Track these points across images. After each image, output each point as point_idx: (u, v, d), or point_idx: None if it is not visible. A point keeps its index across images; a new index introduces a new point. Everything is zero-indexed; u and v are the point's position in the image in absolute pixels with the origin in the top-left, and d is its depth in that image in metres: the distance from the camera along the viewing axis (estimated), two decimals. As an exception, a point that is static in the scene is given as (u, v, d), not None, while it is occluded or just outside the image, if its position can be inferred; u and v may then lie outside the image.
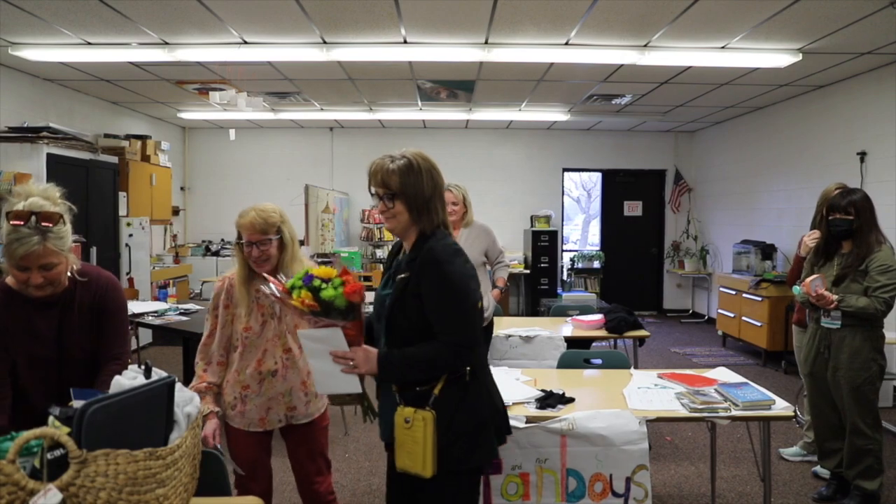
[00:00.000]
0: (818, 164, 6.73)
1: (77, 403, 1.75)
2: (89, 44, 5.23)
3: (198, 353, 2.50)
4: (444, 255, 1.87)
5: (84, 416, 1.34)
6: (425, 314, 1.86)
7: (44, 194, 2.06)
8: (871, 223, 3.35)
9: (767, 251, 7.37)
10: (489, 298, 4.23)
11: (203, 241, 9.56)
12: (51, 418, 1.39)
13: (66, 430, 1.32)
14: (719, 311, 7.92)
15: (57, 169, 5.90)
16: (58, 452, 1.30)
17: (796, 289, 3.46)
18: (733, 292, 7.52)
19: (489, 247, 4.39)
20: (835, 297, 3.30)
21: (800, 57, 5.34)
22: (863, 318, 3.29)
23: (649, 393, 2.87)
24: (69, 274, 2.17)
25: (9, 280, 2.12)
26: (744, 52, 5.32)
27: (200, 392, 2.40)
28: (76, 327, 2.18)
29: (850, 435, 3.41)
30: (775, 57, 5.37)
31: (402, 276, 1.90)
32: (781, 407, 2.69)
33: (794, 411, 2.69)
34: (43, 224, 2.00)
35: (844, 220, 3.36)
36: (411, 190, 1.90)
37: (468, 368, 1.90)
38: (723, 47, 5.25)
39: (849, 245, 3.41)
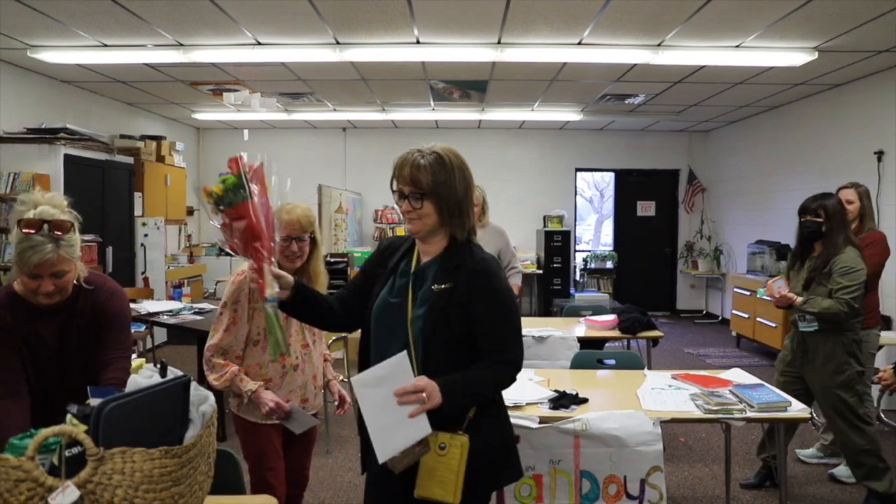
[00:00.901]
0: (834, 164, 6.66)
1: (94, 401, 1.77)
2: (105, 46, 5.28)
3: (210, 349, 2.43)
4: (495, 268, 1.78)
5: (101, 415, 1.35)
6: (469, 328, 1.74)
7: (51, 202, 2.07)
8: (840, 226, 3.41)
9: (782, 251, 7.31)
10: None
11: (217, 241, 9.62)
12: (68, 416, 1.41)
13: (84, 427, 1.34)
14: (733, 311, 7.86)
15: (74, 170, 5.97)
16: (75, 450, 1.31)
17: (760, 291, 3.52)
18: (748, 293, 7.47)
19: (503, 249, 4.40)
20: (798, 298, 3.36)
21: (815, 55, 5.29)
22: (832, 322, 3.31)
23: (663, 394, 2.85)
24: (75, 282, 2.18)
25: (16, 286, 2.12)
26: (758, 50, 5.28)
27: (234, 375, 2.39)
28: (77, 335, 2.18)
29: (836, 438, 3.47)
30: (790, 56, 5.33)
31: (444, 286, 1.74)
32: (797, 409, 2.67)
33: (811, 413, 2.67)
34: (55, 232, 2.01)
35: (814, 222, 3.43)
36: (443, 190, 1.74)
37: None
38: (737, 46, 5.21)
39: (819, 248, 3.46)
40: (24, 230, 1.98)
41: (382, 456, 1.61)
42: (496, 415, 1.83)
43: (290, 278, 1.79)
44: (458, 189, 1.76)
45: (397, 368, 1.62)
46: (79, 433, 1.29)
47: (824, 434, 4.12)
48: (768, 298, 3.52)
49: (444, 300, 1.73)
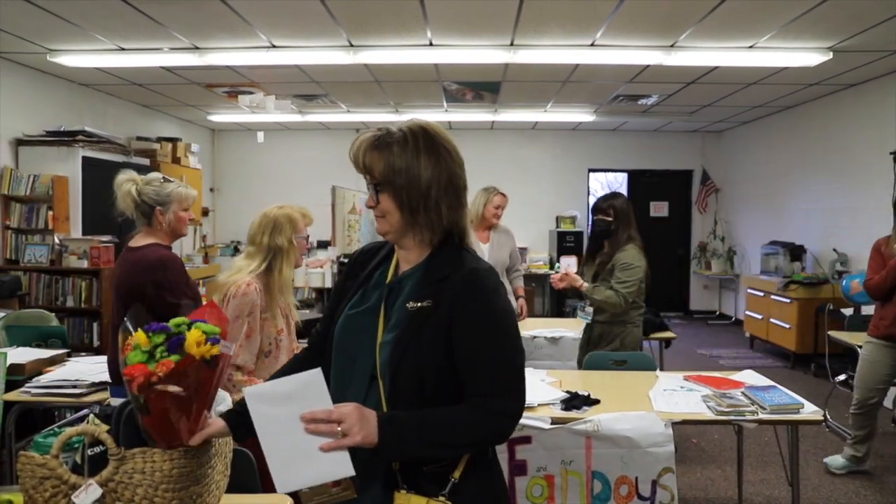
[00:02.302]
0: (849, 165, 6.61)
1: (115, 402, 1.81)
2: (123, 49, 5.35)
3: (230, 368, 2.29)
4: (491, 283, 1.34)
5: (122, 415, 1.39)
6: (452, 360, 1.32)
7: None
8: (626, 225, 3.59)
9: (796, 252, 7.26)
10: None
11: (231, 242, 9.70)
12: (90, 416, 1.45)
13: (106, 427, 1.37)
14: (747, 312, 7.82)
15: (91, 171, 6.05)
16: (97, 449, 1.35)
17: (556, 266, 3.72)
18: (761, 294, 7.43)
19: (513, 250, 4.43)
20: (585, 284, 3.53)
21: (830, 56, 5.25)
22: (614, 315, 3.53)
23: (675, 395, 2.86)
24: None
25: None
26: (772, 51, 5.26)
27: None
28: None
29: None
30: (805, 56, 5.30)
31: (422, 304, 1.34)
32: (810, 411, 2.66)
33: (824, 415, 2.66)
34: None
35: (604, 221, 3.62)
36: (399, 177, 1.33)
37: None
38: (751, 47, 5.19)
39: (607, 244, 3.66)
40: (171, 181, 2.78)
41: (282, 487, 1.22)
42: (489, 480, 1.42)
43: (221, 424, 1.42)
44: (423, 177, 1.33)
45: (309, 389, 1.21)
46: (101, 433, 1.33)
47: (856, 445, 3.99)
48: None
49: (419, 322, 1.32)
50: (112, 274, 2.89)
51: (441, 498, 1.30)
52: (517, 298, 4.47)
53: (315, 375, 1.22)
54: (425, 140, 1.35)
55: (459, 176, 1.40)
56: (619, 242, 3.57)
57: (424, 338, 1.31)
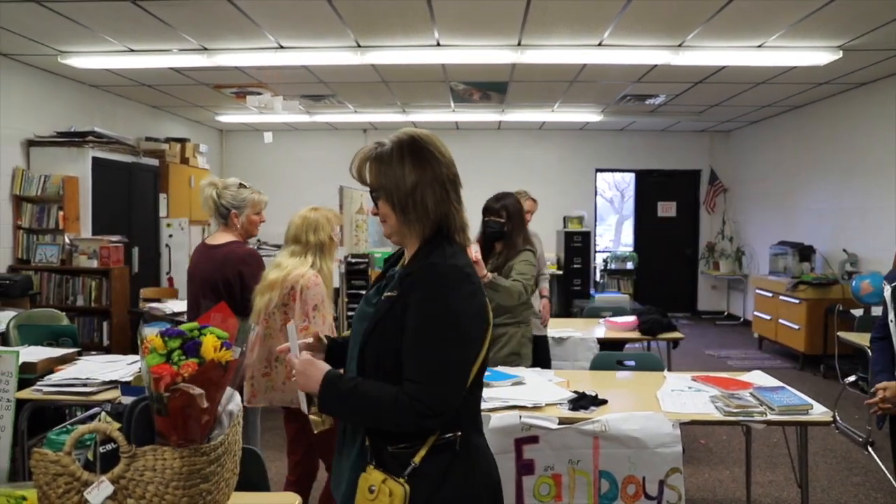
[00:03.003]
0: (859, 164, 6.58)
1: (126, 400, 1.83)
2: (132, 51, 5.39)
3: None
4: (447, 277, 1.44)
5: (133, 413, 1.40)
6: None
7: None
8: (520, 226, 3.50)
9: (805, 253, 7.23)
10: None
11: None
12: (102, 413, 1.46)
13: (117, 425, 1.39)
14: (755, 313, 7.79)
15: (101, 172, 6.09)
16: (109, 447, 1.37)
17: None
18: (770, 294, 7.40)
19: (540, 255, 4.31)
20: (489, 274, 3.30)
21: (840, 54, 5.23)
22: (512, 314, 3.42)
23: (683, 396, 2.85)
24: None
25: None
26: (781, 50, 5.24)
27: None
28: None
29: None
30: (814, 55, 5.28)
31: (390, 294, 1.49)
32: (819, 412, 2.66)
33: (834, 416, 2.65)
34: None
35: (497, 222, 3.50)
36: (389, 182, 1.50)
37: (459, 433, 1.47)
38: (759, 46, 5.17)
39: (500, 246, 3.52)
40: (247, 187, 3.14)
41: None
42: (449, 469, 1.45)
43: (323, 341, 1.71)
44: (407, 177, 1.48)
45: (291, 338, 1.60)
46: (112, 431, 1.34)
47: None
48: None
49: (386, 310, 1.48)
50: (194, 267, 3.15)
51: (401, 479, 1.39)
52: (541, 298, 4.37)
53: (290, 328, 1.62)
54: (411, 147, 1.51)
55: (447, 175, 1.54)
56: (515, 245, 3.43)
57: (387, 324, 1.45)
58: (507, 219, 3.47)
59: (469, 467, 1.48)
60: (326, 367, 1.50)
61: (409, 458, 1.42)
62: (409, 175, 1.48)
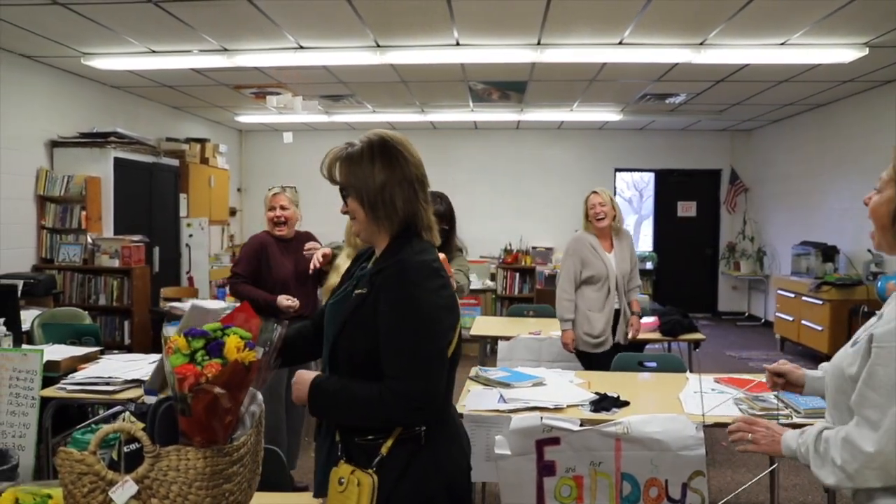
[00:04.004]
0: (885, 164, 6.43)
1: (149, 400, 1.84)
2: (154, 52, 5.44)
3: None
4: (417, 273, 1.50)
5: (157, 413, 1.41)
6: (378, 344, 1.50)
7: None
8: (454, 229, 3.35)
9: (829, 253, 7.12)
10: (600, 322, 3.91)
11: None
12: (126, 413, 1.47)
13: (141, 425, 1.39)
14: (777, 314, 7.69)
15: (123, 172, 6.16)
16: (133, 446, 1.37)
17: None
18: (792, 295, 7.30)
19: (633, 259, 4.06)
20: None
21: (866, 51, 5.14)
22: None
23: (706, 397, 2.81)
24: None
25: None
26: (805, 48, 5.16)
27: None
28: None
29: None
30: (839, 52, 5.19)
31: (360, 291, 1.55)
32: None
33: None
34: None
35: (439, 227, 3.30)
36: (359, 181, 1.55)
37: (424, 428, 1.51)
38: (782, 43, 5.10)
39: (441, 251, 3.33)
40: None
41: None
42: (412, 460, 1.50)
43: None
44: (377, 175, 1.53)
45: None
46: (137, 430, 1.35)
47: None
48: None
49: (353, 307, 1.54)
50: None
51: (370, 470, 1.45)
52: (631, 314, 4.02)
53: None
54: (381, 147, 1.56)
55: (416, 175, 1.58)
56: (452, 250, 3.27)
57: (358, 321, 1.51)
58: (449, 222, 3.28)
59: (430, 462, 1.52)
60: (313, 374, 1.54)
61: (376, 450, 1.47)
62: (379, 174, 1.53)
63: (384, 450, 1.48)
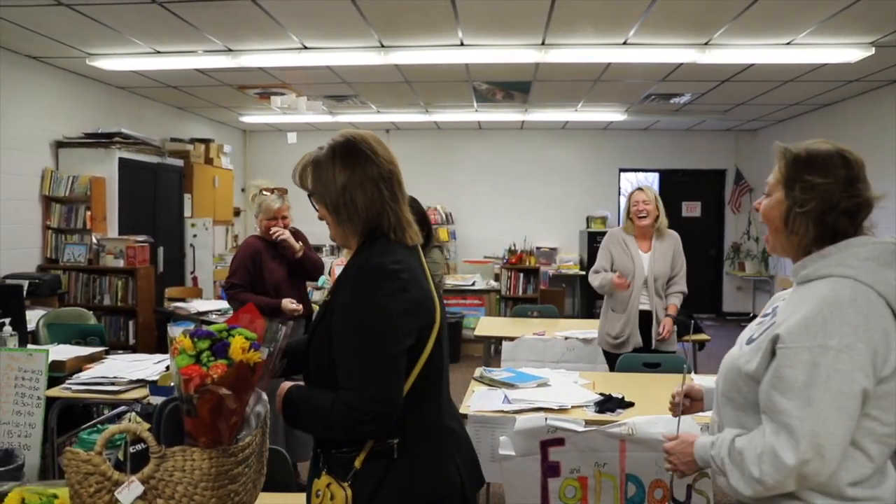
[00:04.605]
0: (891, 164, 6.44)
1: (154, 400, 1.84)
2: (158, 52, 5.45)
3: None
4: (372, 274, 1.43)
5: (163, 414, 1.41)
6: None
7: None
8: (427, 225, 3.28)
9: (835, 253, 7.09)
10: (619, 322, 3.83)
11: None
12: (132, 414, 1.47)
13: (147, 426, 1.39)
14: (783, 315, 7.65)
15: (127, 172, 6.17)
16: (139, 447, 1.38)
17: None
18: (798, 296, 7.26)
19: (675, 260, 3.88)
20: None
21: (872, 51, 5.12)
22: None
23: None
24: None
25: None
26: (811, 47, 5.14)
27: None
28: None
29: None
30: (845, 52, 5.17)
31: (326, 299, 1.54)
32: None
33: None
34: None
35: None
36: (322, 185, 1.52)
37: (396, 441, 1.45)
38: (788, 43, 5.09)
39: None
40: (263, 191, 3.65)
41: None
42: (385, 475, 1.45)
43: None
44: (338, 176, 1.49)
45: None
46: (142, 431, 1.35)
47: None
48: None
49: (322, 314, 1.53)
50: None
51: (346, 483, 1.42)
52: (666, 316, 3.82)
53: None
54: (342, 148, 1.51)
55: (380, 173, 1.51)
56: (428, 248, 3.25)
57: (322, 330, 1.49)
58: (423, 221, 3.19)
59: (407, 475, 1.46)
60: (288, 384, 1.51)
61: (351, 463, 1.43)
62: (339, 176, 1.49)
63: (357, 463, 1.43)
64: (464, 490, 1.54)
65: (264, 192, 3.65)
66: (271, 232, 3.64)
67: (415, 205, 3.22)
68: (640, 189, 3.86)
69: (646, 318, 3.78)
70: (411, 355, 1.43)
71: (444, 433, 1.56)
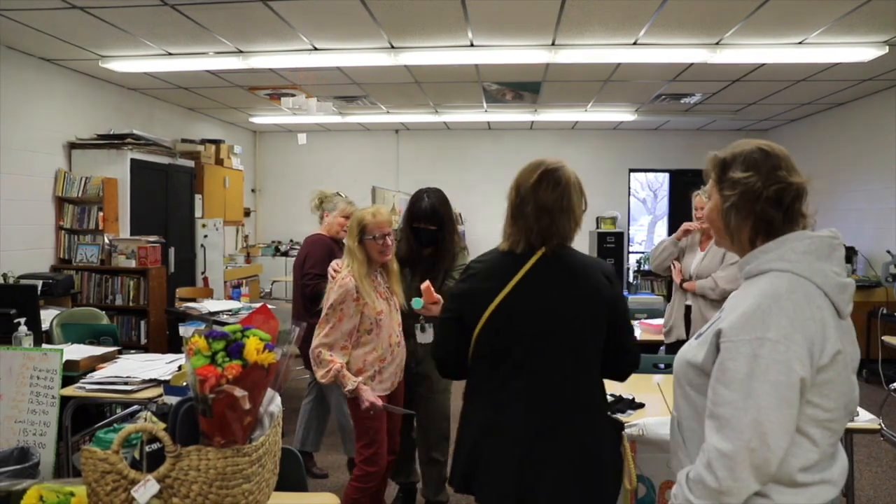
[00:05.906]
0: (904, 163, 6.40)
1: (169, 400, 1.85)
2: (170, 54, 5.48)
3: (318, 346, 2.69)
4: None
5: (178, 414, 1.42)
6: None
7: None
8: (453, 229, 3.21)
9: (847, 254, 7.05)
10: (667, 312, 4.07)
11: (273, 242, 9.85)
12: (147, 413, 1.49)
13: (163, 425, 1.41)
14: (795, 316, 7.60)
15: (139, 173, 6.21)
16: (155, 446, 1.39)
17: (417, 301, 2.68)
18: (810, 297, 7.21)
19: (725, 260, 3.84)
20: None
21: (886, 50, 5.07)
22: None
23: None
24: None
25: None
26: (823, 46, 5.10)
27: (338, 371, 2.65)
28: None
29: None
30: (858, 51, 5.13)
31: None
32: (865, 419, 2.58)
33: (880, 424, 2.58)
34: None
35: (428, 230, 3.09)
36: None
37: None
38: (800, 42, 5.05)
39: (430, 251, 3.15)
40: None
41: None
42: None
43: None
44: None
45: None
46: (158, 431, 1.36)
47: None
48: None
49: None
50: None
51: None
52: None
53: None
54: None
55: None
56: (450, 250, 3.14)
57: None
58: (440, 226, 3.08)
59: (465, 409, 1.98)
60: None
61: None
62: None
63: None
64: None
65: (340, 193, 4.19)
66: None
67: (432, 198, 3.27)
68: (697, 193, 4.06)
69: (690, 314, 3.90)
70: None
71: (472, 394, 2.04)
